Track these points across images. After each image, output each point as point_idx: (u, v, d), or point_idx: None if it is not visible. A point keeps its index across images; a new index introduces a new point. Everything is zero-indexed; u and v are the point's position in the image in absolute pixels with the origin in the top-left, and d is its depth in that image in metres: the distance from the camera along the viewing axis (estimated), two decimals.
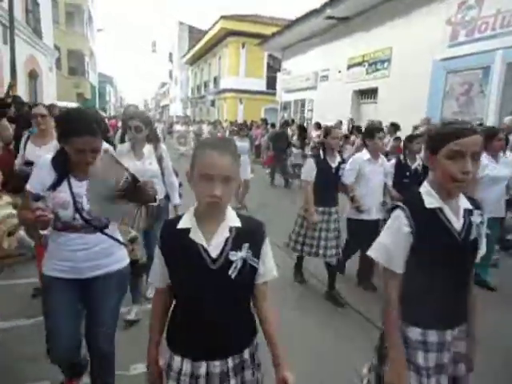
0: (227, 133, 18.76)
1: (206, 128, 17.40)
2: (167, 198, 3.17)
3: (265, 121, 16.53)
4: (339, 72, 12.00)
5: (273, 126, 15.27)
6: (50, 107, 8.07)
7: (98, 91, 33.21)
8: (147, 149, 2.95)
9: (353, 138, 9.35)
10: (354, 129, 9.60)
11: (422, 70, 8.61)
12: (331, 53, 12.55)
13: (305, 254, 3.60)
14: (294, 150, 9.92)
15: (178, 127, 17.80)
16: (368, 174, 3.51)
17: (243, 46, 23.23)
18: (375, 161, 3.54)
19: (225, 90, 24.56)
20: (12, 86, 5.80)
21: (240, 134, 7.17)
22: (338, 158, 3.49)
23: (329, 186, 3.43)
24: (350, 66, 11.44)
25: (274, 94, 18.46)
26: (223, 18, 22.45)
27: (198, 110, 33.84)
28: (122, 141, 3.54)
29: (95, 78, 34.49)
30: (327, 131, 3.43)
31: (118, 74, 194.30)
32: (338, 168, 3.44)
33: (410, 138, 3.86)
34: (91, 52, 32.33)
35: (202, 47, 28.73)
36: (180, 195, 3.31)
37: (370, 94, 10.97)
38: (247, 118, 21.14)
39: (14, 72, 5.94)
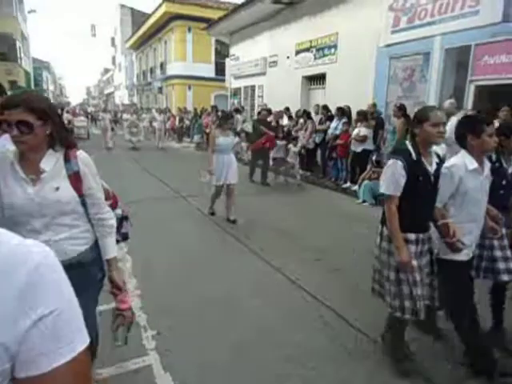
0: (177, 120, 18.21)
1: (158, 116, 16.64)
2: (95, 248, 1.80)
3: (215, 108, 16.25)
4: (288, 58, 12.00)
5: (223, 112, 15.04)
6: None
7: (34, 79, 30.77)
8: (50, 161, 1.63)
9: (305, 123, 9.43)
10: (304, 114, 9.67)
11: (367, 56, 8.81)
12: (279, 38, 12.50)
13: (408, 315, 2.29)
14: (277, 141, 8.85)
15: (125, 116, 16.95)
16: (472, 191, 2.31)
17: (189, 31, 22.53)
18: (481, 171, 2.34)
19: (172, 77, 23.81)
20: None
21: (223, 127, 5.50)
22: (435, 158, 2.34)
23: (426, 201, 2.30)
24: (298, 52, 11.46)
25: (224, 81, 18.15)
26: (167, 0, 21.56)
27: (145, 97, 32.62)
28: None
29: (30, 64, 31.92)
30: (423, 115, 2.24)
31: (56, 59, 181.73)
32: (437, 173, 2.30)
33: (509, 131, 2.65)
34: (23, 35, 29.79)
35: (146, 31, 27.52)
36: (123, 237, 2.17)
37: (318, 79, 11.08)
38: (196, 104, 20.68)
39: None
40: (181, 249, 4.50)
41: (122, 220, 2.14)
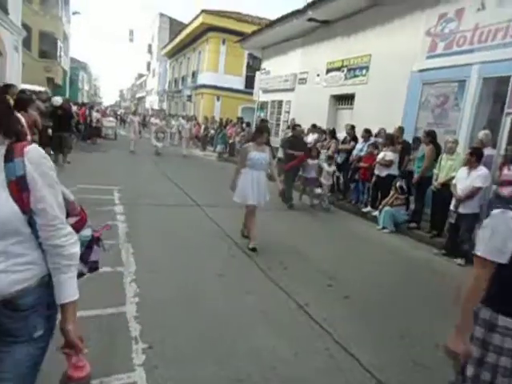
0: (202, 129, 18.24)
1: (186, 124, 16.47)
2: (43, 287, 1.29)
3: (240, 119, 16.30)
4: (318, 75, 11.90)
5: (248, 125, 15.06)
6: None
7: (69, 77, 31.81)
8: None
9: (328, 142, 9.23)
10: (330, 132, 9.48)
11: (399, 79, 8.59)
12: (311, 56, 12.44)
13: None
14: (309, 160, 8.15)
15: (154, 120, 16.86)
16: None
17: (224, 43, 22.88)
18: None
19: (202, 86, 24.12)
20: None
21: (258, 141, 4.92)
22: None
23: None
24: (328, 70, 11.35)
25: (252, 94, 18.21)
26: (204, 12, 22.04)
27: (174, 104, 33.16)
28: None
29: (67, 63, 33.10)
30: None
31: (94, 60, 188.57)
32: None
33: None
34: (65, 35, 31.01)
35: (182, 40, 28.16)
36: (91, 267, 1.60)
37: (347, 99, 10.91)
38: (224, 115, 20.82)
39: None
40: (188, 261, 4.34)
41: (91, 244, 1.57)
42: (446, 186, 5.90)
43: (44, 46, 26.89)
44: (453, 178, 5.78)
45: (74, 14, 31.72)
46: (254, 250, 4.77)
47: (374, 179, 7.64)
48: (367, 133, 8.41)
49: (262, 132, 5.08)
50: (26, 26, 21.63)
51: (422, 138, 6.86)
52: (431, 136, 6.72)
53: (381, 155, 7.28)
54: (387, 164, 7.15)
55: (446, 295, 4.23)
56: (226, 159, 15.83)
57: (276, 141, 13.34)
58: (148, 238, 4.89)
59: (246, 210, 5.03)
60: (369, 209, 7.80)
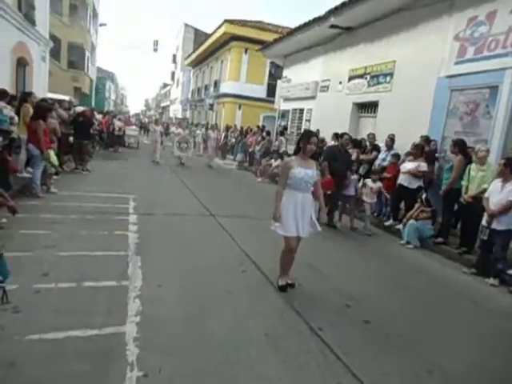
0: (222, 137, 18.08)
1: (212, 133, 15.71)
2: None
3: (262, 128, 16.13)
4: (340, 83, 11.61)
5: (268, 133, 14.87)
6: (28, 95, 7.57)
7: (95, 86, 32.67)
8: None
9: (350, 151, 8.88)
10: (352, 142, 9.13)
11: (425, 86, 8.21)
12: (333, 63, 12.17)
13: None
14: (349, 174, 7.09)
15: (175, 129, 16.30)
16: None
17: (246, 52, 22.92)
18: None
19: (224, 95, 24.19)
20: None
21: (302, 153, 3.80)
22: None
23: None
24: (351, 78, 11.04)
25: (273, 102, 18.07)
26: (227, 21, 22.18)
27: (197, 112, 33.47)
28: None
29: (94, 73, 34.03)
30: None
31: (121, 70, 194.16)
32: None
33: None
34: (93, 46, 31.93)
35: (205, 50, 28.45)
36: None
37: (370, 107, 10.56)
38: (245, 123, 20.75)
39: None
40: (197, 275, 4.12)
41: None
42: (477, 199, 5.49)
43: (72, 56, 27.76)
44: (484, 190, 5.36)
45: (101, 25, 32.65)
46: (292, 285, 3.88)
47: (396, 190, 7.25)
48: (392, 141, 8.05)
49: (308, 140, 3.75)
50: (55, 38, 22.43)
51: (450, 148, 6.46)
52: (459, 146, 6.31)
53: (411, 165, 6.86)
54: (421, 175, 6.76)
55: (481, 322, 3.85)
56: (246, 168, 15.68)
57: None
58: (158, 249, 4.72)
59: (287, 245, 3.86)
60: (391, 222, 7.41)
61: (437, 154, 7.24)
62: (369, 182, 7.21)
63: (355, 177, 7.28)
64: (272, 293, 3.85)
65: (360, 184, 7.54)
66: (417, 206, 6.53)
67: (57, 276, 3.59)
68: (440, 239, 6.28)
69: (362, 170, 8.55)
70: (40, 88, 13.12)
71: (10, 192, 6.07)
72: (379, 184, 7.17)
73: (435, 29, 8.14)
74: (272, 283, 4.06)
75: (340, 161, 6.87)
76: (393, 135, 8.11)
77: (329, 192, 6.53)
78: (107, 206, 6.62)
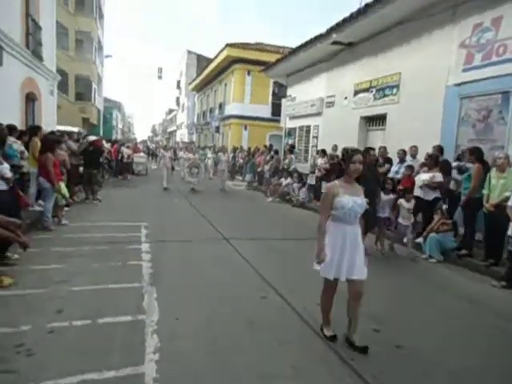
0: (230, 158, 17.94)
1: (223, 156, 15.15)
2: None
3: (270, 147, 16.11)
4: (345, 98, 11.58)
5: (276, 152, 14.82)
6: (36, 129, 7.62)
7: (102, 116, 33.29)
8: None
9: None
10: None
11: (433, 96, 8.12)
12: (337, 78, 12.19)
13: None
14: (382, 194, 6.50)
15: (184, 154, 15.81)
16: None
17: (249, 73, 23.23)
18: None
19: (229, 117, 24.41)
20: None
21: (347, 178, 3.15)
22: None
23: None
24: (356, 92, 11.01)
25: (279, 121, 18.14)
26: (229, 45, 22.57)
27: (204, 136, 33.78)
28: None
29: (101, 103, 34.72)
30: None
31: (128, 99, 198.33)
32: None
33: None
34: (99, 77, 32.69)
35: (209, 74, 28.93)
36: None
37: (378, 120, 10.47)
38: (252, 144, 20.81)
39: None
40: (216, 305, 3.95)
41: None
42: (500, 207, 5.27)
43: (79, 88, 28.40)
44: (507, 198, 5.15)
45: (106, 57, 33.51)
46: (364, 350, 3.09)
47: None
48: (404, 153, 7.91)
49: (350, 159, 3.07)
50: (63, 72, 23.01)
51: (467, 157, 6.28)
52: (476, 154, 6.13)
53: (426, 176, 6.68)
54: (437, 187, 6.57)
55: None
56: (256, 188, 15.59)
57: (305, 167, 13.01)
58: (172, 279, 4.57)
59: (327, 288, 3.29)
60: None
61: (454, 164, 7.04)
62: (403, 202, 6.51)
63: (391, 196, 6.56)
64: (295, 320, 3.66)
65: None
66: (437, 218, 6.31)
67: (71, 313, 3.46)
68: (464, 251, 6.03)
69: None
70: (49, 121, 13.32)
71: (21, 227, 6.05)
72: (412, 203, 6.54)
73: (439, 38, 8.09)
74: (294, 308, 3.87)
75: (368, 179, 5.85)
76: (415, 147, 7.97)
77: None
78: (119, 235, 6.53)
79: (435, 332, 3.67)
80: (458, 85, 7.56)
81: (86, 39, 28.75)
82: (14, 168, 5.75)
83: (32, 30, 11.34)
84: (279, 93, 21.89)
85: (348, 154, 3.17)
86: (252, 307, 3.86)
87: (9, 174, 5.33)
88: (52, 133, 9.21)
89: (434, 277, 5.44)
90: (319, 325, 3.46)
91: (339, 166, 3.24)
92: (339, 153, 10.45)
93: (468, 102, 7.37)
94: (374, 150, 6.86)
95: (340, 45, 11.19)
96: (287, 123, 16.29)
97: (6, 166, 5.21)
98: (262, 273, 4.91)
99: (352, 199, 3.05)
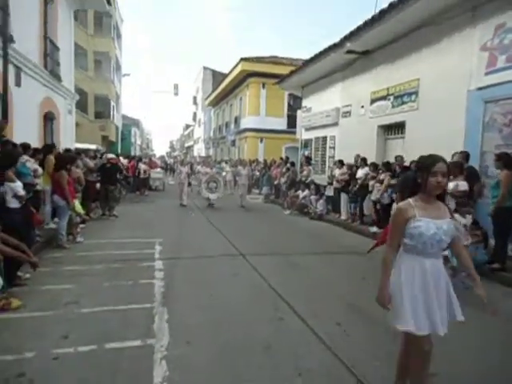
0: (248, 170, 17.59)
1: (242, 170, 14.36)
2: None
3: (286, 159, 15.90)
4: (362, 107, 11.32)
5: (292, 164, 14.61)
6: (50, 147, 7.65)
7: (120, 133, 33.94)
8: None
9: (382, 176, 8.44)
10: (382, 165, 8.71)
11: (455, 101, 7.78)
12: (353, 88, 11.96)
13: None
14: None
15: (201, 168, 15.55)
16: None
17: (263, 87, 23.28)
18: None
19: (245, 130, 24.42)
20: (3, 127, 5.36)
21: (425, 196, 2.36)
22: None
23: None
24: (373, 101, 10.74)
25: (295, 133, 17.97)
26: (243, 60, 22.72)
27: (220, 150, 33.93)
28: None
29: (120, 120, 35.41)
30: None
31: (146, 116, 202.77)
32: None
33: None
34: (117, 95, 33.42)
35: (224, 89, 29.17)
36: None
37: (396, 128, 10.15)
38: (268, 156, 20.68)
39: (5, 113, 5.51)
40: (229, 326, 3.71)
41: None
42: None
43: (98, 107, 29.06)
44: None
45: (124, 75, 34.30)
46: None
47: None
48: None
49: (428, 170, 2.27)
50: (82, 91, 23.61)
51: (495, 163, 5.92)
52: (504, 159, 5.77)
53: (451, 185, 6.33)
54: (461, 195, 6.20)
55: None
56: (273, 201, 15.37)
57: (322, 178, 12.73)
58: (185, 298, 4.36)
59: (416, 348, 2.43)
60: None
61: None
62: (458, 217, 5.30)
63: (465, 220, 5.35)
64: (316, 345, 3.37)
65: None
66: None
67: (77, 337, 3.29)
68: (496, 265, 5.61)
69: (395, 196, 8.06)
70: (67, 139, 13.52)
71: (36, 245, 6.01)
72: (470, 218, 5.50)
73: (459, 41, 7.79)
74: (315, 332, 3.58)
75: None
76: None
77: None
78: (133, 252, 6.40)
79: (473, 356, 3.32)
80: (481, 88, 7.21)
81: (104, 59, 29.54)
82: (27, 186, 5.72)
83: (50, 51, 11.60)
84: (294, 104, 21.78)
85: (425, 162, 2.34)
86: (269, 330, 3.60)
87: (22, 192, 5.29)
88: (68, 150, 9.28)
89: (465, 292, 5.04)
90: (341, 351, 3.18)
91: (413, 179, 2.44)
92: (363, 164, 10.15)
93: (493, 105, 7.01)
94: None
95: (355, 53, 10.99)
96: (303, 134, 16.09)
97: (18, 184, 5.17)
98: (279, 291, 4.65)
99: (434, 224, 2.28)
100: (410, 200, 2.37)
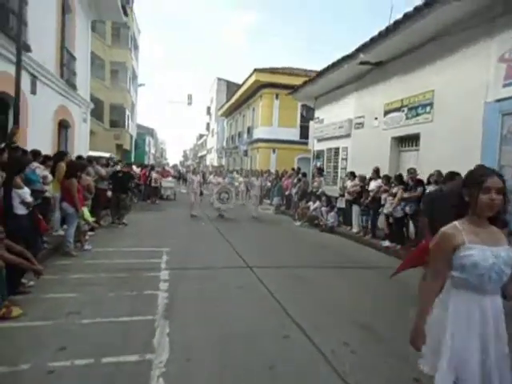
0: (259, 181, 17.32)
1: (255, 181, 14.24)
2: None
3: (297, 170, 15.77)
4: (375, 119, 11.16)
5: (304, 175, 14.47)
6: (61, 154, 7.71)
7: (135, 142, 34.35)
8: None
9: (395, 189, 8.24)
10: (397, 178, 8.50)
11: (471, 114, 7.58)
12: (366, 99, 11.83)
13: None
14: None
15: (213, 178, 14.97)
16: None
17: (277, 97, 23.32)
18: None
19: (258, 140, 24.43)
20: (14, 133, 5.39)
21: (480, 216, 1.95)
22: None
23: None
24: (387, 112, 10.58)
25: (307, 144, 17.87)
26: (257, 70, 22.82)
27: (232, 160, 34.01)
28: None
29: (134, 129, 35.89)
30: None
31: (161, 125, 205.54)
32: None
33: None
34: (132, 105, 33.92)
35: (237, 99, 29.34)
36: None
37: (410, 140, 9.96)
38: (280, 167, 20.59)
39: (17, 119, 5.56)
40: (232, 343, 3.57)
41: None
42: None
43: (114, 116, 29.48)
44: None
45: (140, 85, 34.84)
46: None
47: None
48: (439, 174, 7.34)
49: (479, 185, 1.89)
50: (98, 100, 24.02)
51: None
52: None
53: None
54: None
55: None
56: (284, 212, 15.22)
57: (334, 190, 12.56)
58: (188, 311, 4.25)
59: None
60: None
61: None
62: None
63: None
64: (322, 365, 3.20)
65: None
66: None
67: (75, 350, 3.19)
68: None
69: (409, 210, 7.84)
70: (82, 147, 13.68)
71: (42, 252, 5.99)
72: None
73: (475, 52, 7.63)
74: (321, 351, 3.42)
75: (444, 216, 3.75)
76: (439, 171, 7.39)
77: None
78: (139, 261, 6.33)
79: None
80: (499, 101, 7.01)
81: (121, 69, 30.07)
82: (36, 193, 5.73)
83: (67, 60, 11.81)
84: (307, 115, 21.71)
85: (475, 176, 1.95)
86: (273, 348, 3.45)
87: (29, 199, 5.30)
88: (79, 158, 9.35)
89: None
90: (350, 375, 3.01)
91: (458, 197, 2.02)
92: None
93: (511, 118, 6.80)
94: (458, 175, 4.91)
95: (368, 65, 10.89)
96: (315, 146, 15.97)
97: (26, 191, 5.18)
98: (286, 306, 4.49)
99: (491, 251, 1.87)
100: (457, 223, 1.96)
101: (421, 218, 4.64)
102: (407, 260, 4.36)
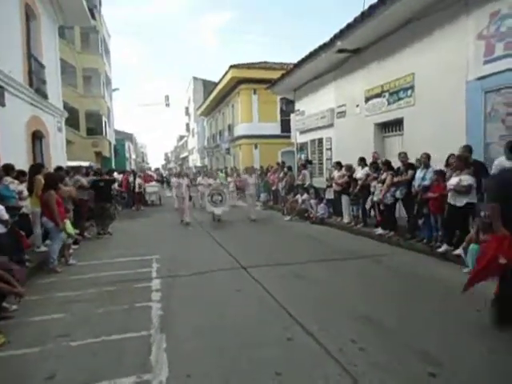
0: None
1: (250, 179, 12.61)
2: None
3: (282, 164, 15.60)
4: (357, 106, 11.07)
5: (289, 168, 14.31)
6: (38, 167, 7.34)
7: (114, 148, 33.64)
8: None
9: (384, 175, 8.14)
10: (385, 164, 8.39)
11: (453, 93, 7.54)
12: (346, 87, 11.73)
13: None
14: None
15: (202, 180, 14.20)
16: None
17: (255, 93, 23.08)
18: None
19: (239, 137, 24.18)
20: None
21: None
22: None
23: None
24: (368, 99, 10.50)
25: (289, 137, 17.73)
26: (233, 67, 22.52)
27: (215, 159, 33.66)
28: None
29: (112, 135, 35.11)
30: None
31: (139, 130, 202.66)
32: None
33: None
34: (109, 111, 33.14)
35: (215, 98, 28.96)
36: None
37: (394, 125, 9.90)
38: (263, 162, 20.41)
39: None
40: (234, 352, 3.38)
41: None
42: None
43: (90, 123, 28.74)
44: None
45: (114, 90, 34.07)
46: None
47: (446, 211, 6.40)
48: (427, 157, 7.27)
49: None
50: (72, 109, 23.33)
51: (507, 154, 5.64)
52: None
53: (454, 180, 6.07)
54: (465, 191, 5.93)
55: None
56: (272, 207, 15.07)
57: (321, 181, 12.44)
58: (186, 322, 4.02)
59: None
60: (445, 247, 6.47)
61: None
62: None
63: None
64: (331, 366, 3.03)
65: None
66: (475, 227, 5.62)
67: (64, 378, 2.95)
68: None
69: (399, 194, 7.77)
70: (59, 158, 13.18)
71: (25, 269, 5.65)
72: None
73: (453, 32, 7.57)
74: (328, 351, 3.26)
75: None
76: (427, 153, 7.32)
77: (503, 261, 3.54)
78: (128, 272, 6.07)
79: (504, 372, 3.00)
80: (481, 78, 6.97)
81: (93, 75, 29.27)
82: (12, 210, 5.40)
83: (35, 68, 11.29)
84: (287, 109, 21.53)
85: None
86: (278, 353, 3.26)
87: (5, 216, 4.99)
88: (59, 168, 8.96)
89: (483, 295, 4.72)
90: (361, 373, 2.85)
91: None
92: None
93: (494, 95, 6.76)
94: None
95: (346, 52, 10.77)
96: (298, 138, 15.84)
97: (1, 208, 4.86)
98: (286, 307, 4.31)
99: None
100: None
101: (489, 205, 4.03)
102: (476, 271, 3.93)
